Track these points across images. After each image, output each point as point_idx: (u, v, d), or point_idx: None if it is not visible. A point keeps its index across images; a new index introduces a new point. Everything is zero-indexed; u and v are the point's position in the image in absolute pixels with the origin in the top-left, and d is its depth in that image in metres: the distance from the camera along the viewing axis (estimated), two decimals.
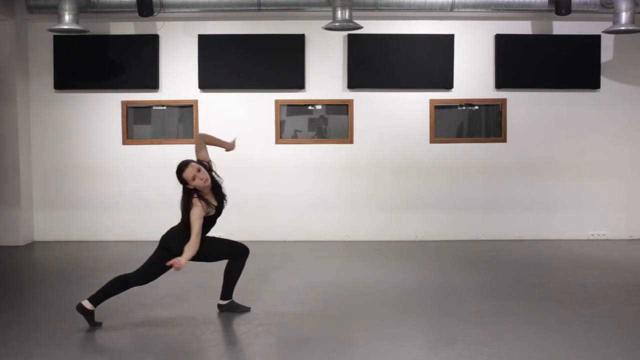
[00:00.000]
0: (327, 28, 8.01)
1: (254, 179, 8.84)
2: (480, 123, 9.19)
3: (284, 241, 8.82)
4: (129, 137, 8.94)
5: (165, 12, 8.32)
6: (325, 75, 8.81)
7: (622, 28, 7.80)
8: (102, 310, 5.05)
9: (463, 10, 8.39)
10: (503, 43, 8.76)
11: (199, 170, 4.90)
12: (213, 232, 5.19)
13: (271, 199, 8.89)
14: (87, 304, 4.94)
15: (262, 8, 8.31)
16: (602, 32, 8.20)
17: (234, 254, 5.28)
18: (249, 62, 8.71)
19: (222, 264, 5.34)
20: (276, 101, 8.85)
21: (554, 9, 8.18)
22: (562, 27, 8.74)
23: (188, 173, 4.88)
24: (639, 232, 8.97)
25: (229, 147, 5.42)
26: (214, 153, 5.29)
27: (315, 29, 8.50)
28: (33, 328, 5.04)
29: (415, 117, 8.85)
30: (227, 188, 5.18)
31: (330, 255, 7.93)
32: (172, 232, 5.06)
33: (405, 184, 8.89)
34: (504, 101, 8.88)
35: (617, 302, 5.71)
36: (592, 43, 8.71)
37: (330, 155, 8.89)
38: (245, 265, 5.35)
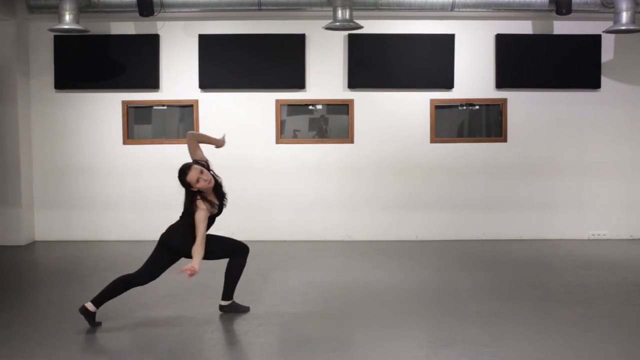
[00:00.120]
0: (328, 28, 8.01)
1: (255, 178, 8.84)
2: (481, 123, 9.19)
3: (285, 241, 8.82)
4: (129, 137, 8.95)
5: (165, 11, 8.33)
6: (325, 75, 8.81)
7: (623, 28, 7.80)
8: (103, 311, 5.05)
9: (463, 10, 8.39)
10: (504, 43, 8.75)
11: (201, 172, 4.87)
12: (213, 231, 5.19)
13: (271, 199, 8.89)
14: (90, 307, 4.95)
15: (262, 8, 8.32)
16: (603, 31, 8.20)
17: (234, 252, 5.27)
18: (250, 62, 8.71)
19: (223, 263, 5.33)
20: (277, 101, 8.85)
21: (555, 8, 8.18)
22: (562, 26, 8.73)
23: (192, 176, 4.84)
24: (639, 232, 8.97)
25: (219, 143, 5.35)
26: (208, 153, 5.25)
27: (316, 28, 8.50)
28: (33, 328, 5.04)
29: (415, 117, 8.85)
30: (227, 188, 5.17)
31: (331, 255, 7.93)
32: (174, 230, 5.03)
33: (406, 183, 8.89)
34: (504, 101, 8.87)
35: (617, 302, 5.71)
36: (593, 43, 8.70)
37: (330, 155, 8.89)
38: (246, 265, 5.34)
